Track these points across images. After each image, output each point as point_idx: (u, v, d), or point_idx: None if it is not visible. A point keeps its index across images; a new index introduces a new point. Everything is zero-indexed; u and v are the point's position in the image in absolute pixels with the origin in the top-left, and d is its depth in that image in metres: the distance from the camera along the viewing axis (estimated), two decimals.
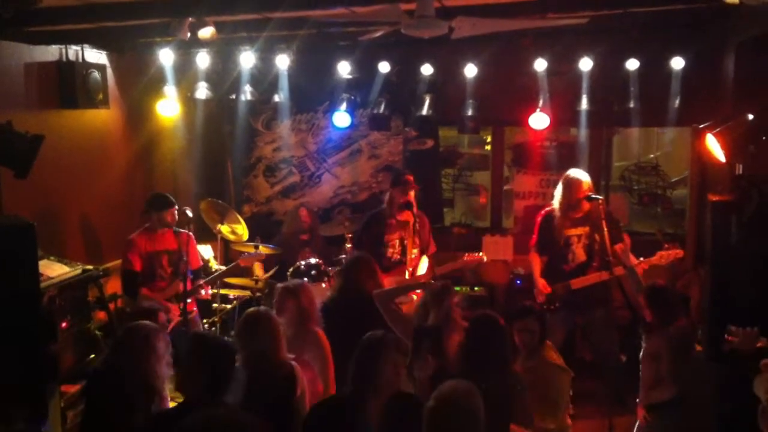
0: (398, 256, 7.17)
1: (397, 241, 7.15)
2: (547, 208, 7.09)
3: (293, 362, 4.60)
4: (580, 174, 6.88)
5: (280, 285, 5.62)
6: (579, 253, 6.90)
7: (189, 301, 6.84)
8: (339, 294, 5.83)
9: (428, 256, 7.28)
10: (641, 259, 6.72)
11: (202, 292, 7.15)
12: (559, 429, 4.87)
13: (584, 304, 6.88)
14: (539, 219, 7.13)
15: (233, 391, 4.33)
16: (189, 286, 6.86)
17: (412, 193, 7.01)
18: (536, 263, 7.10)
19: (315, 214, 8.67)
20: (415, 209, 7.00)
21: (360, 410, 3.93)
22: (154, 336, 4.44)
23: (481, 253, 7.21)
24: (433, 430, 3.41)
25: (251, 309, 4.82)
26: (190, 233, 7.03)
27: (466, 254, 7.19)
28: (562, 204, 6.90)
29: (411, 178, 7.10)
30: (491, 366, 4.34)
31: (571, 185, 6.83)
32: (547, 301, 6.93)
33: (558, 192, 6.96)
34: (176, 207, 6.90)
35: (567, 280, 6.86)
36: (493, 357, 4.41)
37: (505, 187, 9.41)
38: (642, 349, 5.53)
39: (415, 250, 7.10)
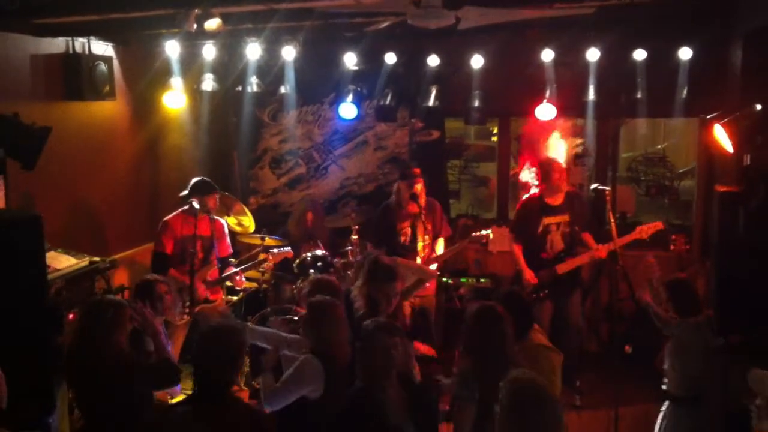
0: (409, 244, 7.20)
1: (409, 229, 7.17)
2: (526, 196, 7.36)
3: None
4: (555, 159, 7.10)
5: (310, 279, 5.66)
6: (557, 241, 7.08)
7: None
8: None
9: (444, 239, 7.34)
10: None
11: (237, 278, 7.20)
12: None
13: (566, 289, 7.12)
14: (518, 206, 7.38)
15: (314, 380, 4.37)
16: (216, 274, 7.01)
17: (418, 186, 7.02)
18: (519, 251, 7.21)
19: (321, 213, 8.66)
20: (421, 200, 7.02)
21: (375, 400, 3.95)
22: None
23: (485, 231, 7.24)
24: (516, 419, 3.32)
25: (317, 299, 4.80)
26: (223, 221, 7.14)
27: (471, 233, 7.27)
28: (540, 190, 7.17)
29: (418, 170, 7.13)
30: (496, 359, 4.33)
31: (547, 170, 7.04)
32: (534, 289, 7.05)
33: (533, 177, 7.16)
34: (219, 193, 6.97)
35: (551, 267, 7.03)
36: (498, 350, 4.39)
37: (512, 172, 9.36)
38: (667, 343, 5.48)
39: (427, 237, 7.14)
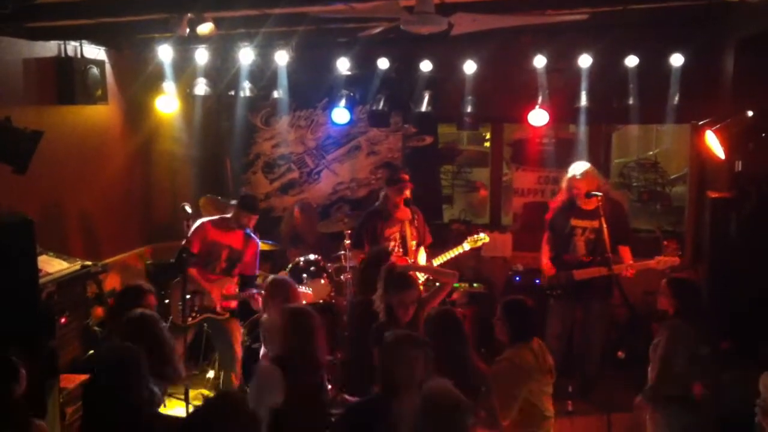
0: (400, 250, 7.14)
1: (398, 234, 7.12)
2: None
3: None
4: (584, 168, 6.99)
5: (268, 279, 5.68)
6: (579, 246, 7.02)
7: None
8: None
9: (425, 248, 7.26)
10: (632, 262, 6.80)
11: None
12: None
13: (585, 296, 7.00)
14: (557, 201, 7.29)
15: (274, 390, 4.31)
16: (232, 290, 6.88)
17: (407, 192, 6.97)
18: (545, 244, 7.24)
19: (311, 212, 8.65)
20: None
21: (388, 409, 3.94)
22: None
23: (482, 234, 7.21)
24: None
25: (293, 306, 4.83)
26: (257, 241, 6.98)
27: (468, 237, 7.20)
28: (564, 194, 7.08)
29: (406, 176, 7.04)
30: (451, 364, 4.35)
31: (573, 178, 6.97)
32: (549, 287, 7.09)
33: (564, 182, 7.13)
34: (258, 215, 6.84)
35: (570, 270, 6.96)
36: (452, 354, 4.42)
37: (505, 179, 9.37)
38: (654, 342, 5.46)
39: (414, 242, 7.09)
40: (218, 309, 6.80)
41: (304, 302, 6.44)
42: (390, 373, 4.00)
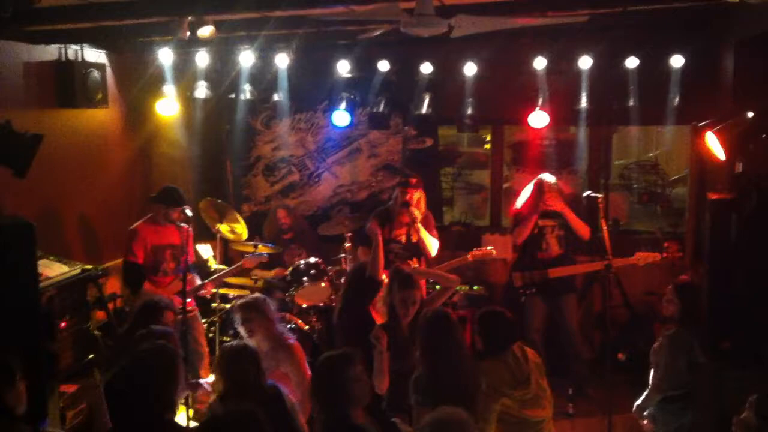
0: (405, 252, 7.13)
1: (404, 237, 7.12)
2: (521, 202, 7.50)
3: (273, 381, 4.61)
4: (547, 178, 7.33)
5: (239, 302, 5.71)
6: (552, 244, 7.25)
7: (189, 299, 6.83)
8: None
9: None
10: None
11: (204, 290, 7.14)
12: None
13: (556, 290, 7.19)
14: (514, 211, 7.59)
15: None
16: (194, 283, 6.91)
17: (415, 195, 6.96)
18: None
19: (296, 213, 8.69)
20: (415, 207, 6.94)
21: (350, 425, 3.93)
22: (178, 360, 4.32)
23: (490, 247, 7.25)
24: None
25: (230, 343, 4.86)
26: (190, 228, 7.02)
27: (474, 249, 7.22)
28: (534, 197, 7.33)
29: (414, 180, 7.04)
30: (447, 364, 4.35)
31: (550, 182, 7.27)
32: (523, 285, 7.24)
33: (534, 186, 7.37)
34: (185, 205, 6.84)
35: (543, 269, 7.17)
36: (446, 355, 4.42)
37: (505, 185, 9.38)
38: (655, 346, 5.50)
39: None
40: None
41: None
42: (340, 391, 3.97)
